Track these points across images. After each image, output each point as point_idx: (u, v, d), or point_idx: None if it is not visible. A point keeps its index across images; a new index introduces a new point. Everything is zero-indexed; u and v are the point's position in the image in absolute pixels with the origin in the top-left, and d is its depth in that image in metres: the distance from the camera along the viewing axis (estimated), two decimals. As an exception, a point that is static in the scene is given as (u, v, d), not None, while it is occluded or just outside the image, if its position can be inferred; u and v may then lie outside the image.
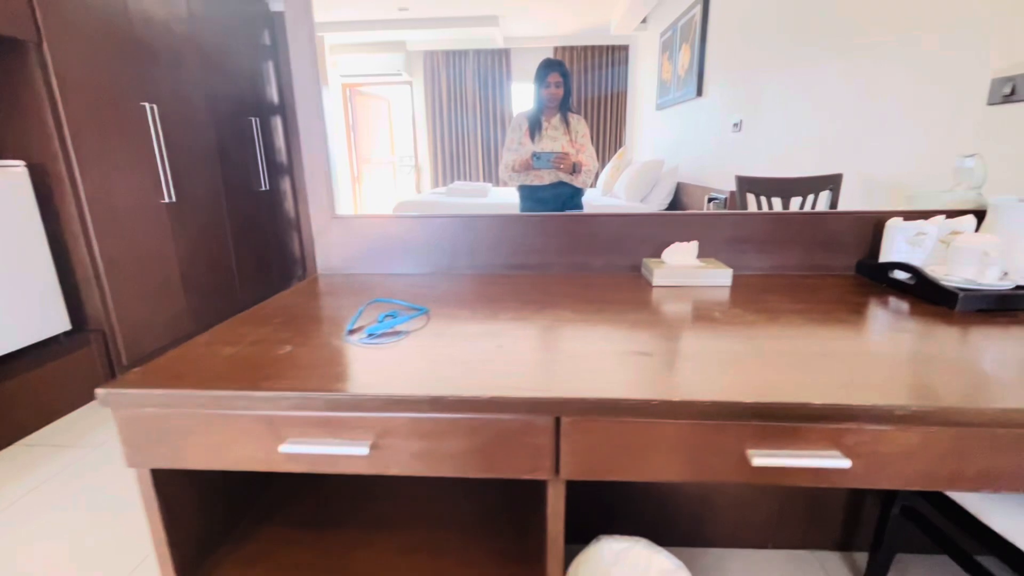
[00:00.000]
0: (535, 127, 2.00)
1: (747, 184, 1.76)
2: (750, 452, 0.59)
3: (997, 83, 1.22)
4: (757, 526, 1.23)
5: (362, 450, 0.61)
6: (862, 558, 1.21)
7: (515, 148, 2.02)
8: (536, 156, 1.91)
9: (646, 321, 0.85)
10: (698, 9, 3.14)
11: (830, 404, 0.57)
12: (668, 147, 3.84)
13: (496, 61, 5.34)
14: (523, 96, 5.47)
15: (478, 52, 5.31)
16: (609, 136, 5.22)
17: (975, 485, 0.60)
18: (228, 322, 0.88)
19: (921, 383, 0.62)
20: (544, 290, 1.07)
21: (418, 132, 5.67)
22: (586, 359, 0.70)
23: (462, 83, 5.42)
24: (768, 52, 2.42)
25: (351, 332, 0.82)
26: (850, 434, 0.59)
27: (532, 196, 2.07)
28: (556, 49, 5.20)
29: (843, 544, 1.23)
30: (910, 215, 1.13)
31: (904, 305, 0.95)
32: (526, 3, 4.20)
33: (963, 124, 1.34)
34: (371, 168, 5.86)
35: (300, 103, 1.17)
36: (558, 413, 0.61)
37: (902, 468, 0.60)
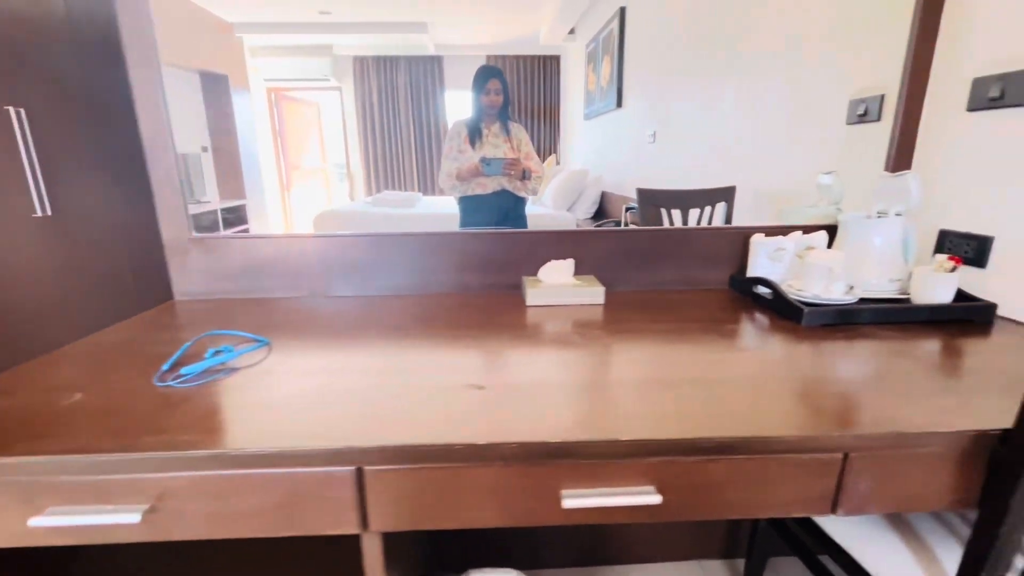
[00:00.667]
0: (475, 135, 1.94)
1: (647, 197, 1.79)
2: (563, 493, 0.57)
3: (853, 104, 1.29)
4: (645, 541, 1.24)
5: (133, 517, 0.54)
6: (742, 564, 1.24)
7: (455, 156, 1.95)
8: (486, 162, 1.85)
9: (500, 348, 0.82)
10: (616, 23, 3.22)
11: (637, 440, 0.56)
12: (595, 157, 3.91)
13: (428, 69, 5.28)
14: (457, 104, 5.42)
15: (410, 59, 5.24)
16: (543, 146, 5.26)
17: (785, 510, 0.60)
18: (30, 363, 0.78)
19: (740, 410, 0.61)
20: (415, 314, 1.02)
21: (349, 139, 5.51)
22: (411, 397, 0.65)
23: (394, 90, 5.32)
24: (676, 65, 2.50)
25: (168, 371, 0.74)
26: (662, 467, 0.58)
27: (474, 206, 2.02)
28: (489, 58, 5.20)
29: (726, 552, 1.26)
30: (772, 230, 1.17)
31: (764, 320, 0.97)
32: (454, 10, 4.18)
33: (830, 142, 1.41)
34: (302, 176, 5.63)
35: (138, 96, 1.07)
36: (359, 463, 0.56)
37: (714, 499, 0.59)
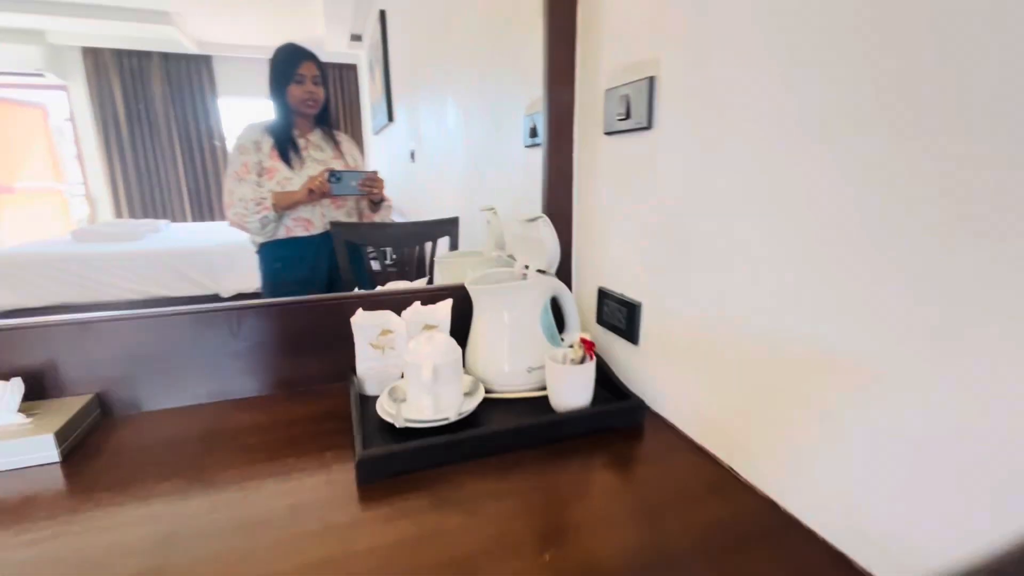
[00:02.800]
0: (286, 145, 1.29)
1: (344, 232, 1.36)
2: None
3: (526, 121, 1.02)
4: None
5: None
6: None
7: (252, 180, 1.27)
8: (335, 176, 1.23)
9: None
10: (379, 28, 2.83)
11: None
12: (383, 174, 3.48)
13: (192, 70, 4.39)
14: (234, 113, 4.60)
15: (165, 56, 4.29)
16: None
17: None
18: None
19: None
20: None
21: (86, 153, 4.34)
22: None
23: (147, 93, 4.32)
24: (423, 76, 2.17)
25: None
26: None
27: (297, 255, 1.32)
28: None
29: None
30: (388, 300, 0.81)
31: (338, 466, 0.58)
32: (199, 0, 3.43)
33: (514, 169, 1.13)
34: (16, 200, 4.29)
35: None
36: None
37: None
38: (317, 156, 1.35)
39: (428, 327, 0.74)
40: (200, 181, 4.53)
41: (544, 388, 0.70)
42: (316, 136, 1.36)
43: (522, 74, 1.03)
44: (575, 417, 0.64)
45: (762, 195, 0.50)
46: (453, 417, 0.61)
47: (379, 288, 0.86)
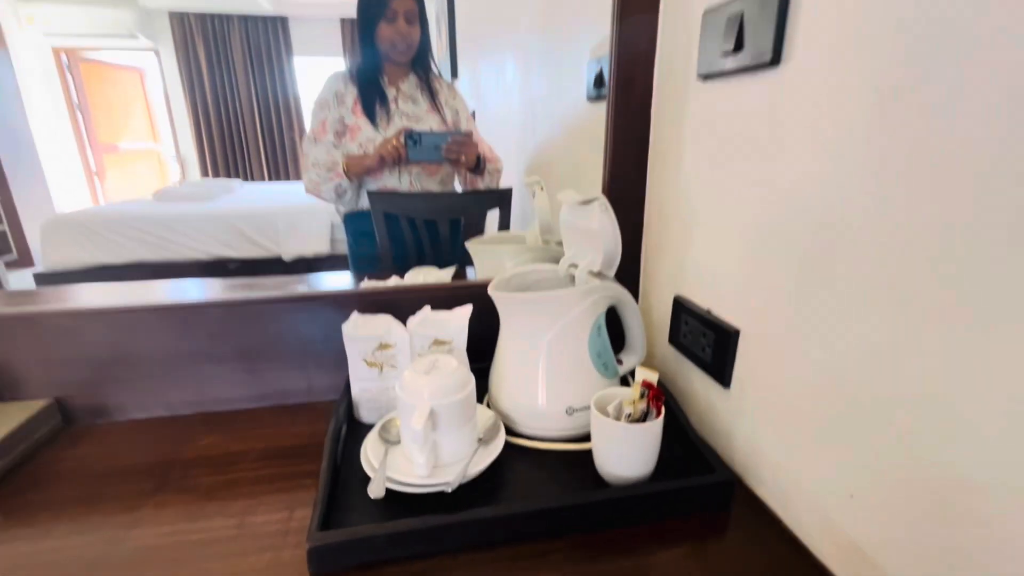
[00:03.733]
0: (372, 97, 1.07)
1: (380, 202, 1.20)
2: None
3: (590, 67, 0.78)
4: None
5: None
6: None
7: (328, 140, 1.07)
8: (412, 138, 1.00)
9: None
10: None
11: None
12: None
13: (271, 31, 4.42)
14: (311, 74, 4.62)
15: (244, 19, 4.35)
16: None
17: None
18: None
19: None
20: None
21: (176, 115, 4.56)
22: None
23: (228, 55, 4.42)
24: (483, 30, 1.94)
25: None
26: None
27: (387, 220, 1.09)
28: (345, 21, 4.42)
29: None
30: (401, 298, 0.63)
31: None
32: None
33: (575, 124, 0.90)
34: (120, 160, 4.63)
35: None
36: None
37: None
38: (408, 110, 1.10)
39: (438, 343, 0.56)
40: (276, 141, 4.63)
41: (590, 436, 0.51)
42: (409, 85, 1.10)
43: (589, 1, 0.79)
44: (628, 497, 0.44)
45: (1001, 196, 0.26)
46: (454, 483, 0.44)
47: (379, 284, 0.69)
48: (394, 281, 0.70)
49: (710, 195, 0.53)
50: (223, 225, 2.60)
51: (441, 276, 0.73)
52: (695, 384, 0.58)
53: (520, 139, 1.29)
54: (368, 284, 0.67)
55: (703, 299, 0.56)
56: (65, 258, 2.38)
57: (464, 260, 0.92)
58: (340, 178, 1.06)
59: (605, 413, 0.46)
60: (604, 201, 0.52)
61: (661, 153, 0.62)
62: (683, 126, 0.57)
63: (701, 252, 0.56)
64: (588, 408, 0.53)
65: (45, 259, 2.37)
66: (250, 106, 4.54)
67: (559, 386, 0.53)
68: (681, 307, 0.59)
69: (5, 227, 3.06)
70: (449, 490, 0.43)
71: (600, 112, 0.70)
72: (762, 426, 0.47)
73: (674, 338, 0.61)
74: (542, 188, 0.73)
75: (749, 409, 0.49)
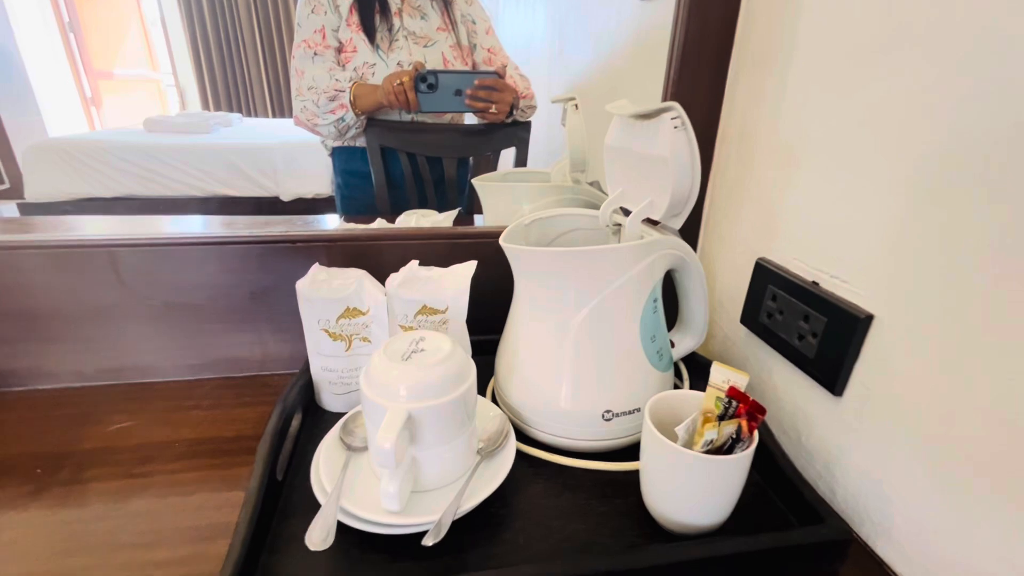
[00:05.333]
0: (371, 4, 0.83)
1: (378, 133, 1.01)
2: None
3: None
4: None
5: None
6: None
7: (329, 56, 0.85)
8: (426, 81, 0.73)
9: None
10: None
11: None
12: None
13: (272, -54, 4.03)
14: None
15: (244, -70, 3.95)
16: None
17: None
18: None
19: None
20: None
21: (174, 41, 4.27)
22: None
23: (227, -26, 4.06)
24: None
25: None
26: None
27: (384, 156, 0.89)
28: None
29: None
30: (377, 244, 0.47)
31: None
32: None
33: (619, 29, 0.70)
34: (117, 87, 4.38)
35: None
36: None
37: None
38: (415, 27, 0.85)
39: (428, 311, 0.41)
40: (281, 76, 4.34)
41: (634, 450, 0.36)
42: None
43: None
44: (702, 559, 0.30)
45: None
46: (436, 534, 0.29)
47: (354, 227, 0.52)
48: (379, 224, 0.54)
49: (837, 114, 0.35)
50: (218, 160, 2.42)
51: (440, 222, 0.56)
52: (778, 382, 0.43)
53: (546, 52, 1.07)
54: (343, 227, 0.51)
55: (806, 266, 0.39)
56: (49, 188, 2.23)
57: (474, 207, 0.75)
58: (345, 110, 0.80)
59: (668, 433, 0.30)
60: (680, 112, 0.34)
61: (755, 53, 0.44)
62: (798, 6, 0.38)
63: (810, 199, 0.38)
64: (634, 413, 0.38)
65: (28, 189, 2.22)
66: (252, 35, 4.22)
67: (595, 381, 0.38)
68: (767, 274, 0.42)
69: (-5, 154, 2.92)
70: (430, 543, 0.28)
71: (653, 12, 0.51)
72: (899, 458, 0.32)
73: (750, 317, 0.45)
74: (576, 107, 0.55)
75: (874, 430, 0.34)
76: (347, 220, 0.98)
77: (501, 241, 0.37)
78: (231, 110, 4.32)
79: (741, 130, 0.46)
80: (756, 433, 0.30)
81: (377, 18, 0.84)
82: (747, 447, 0.29)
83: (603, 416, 0.38)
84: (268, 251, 0.47)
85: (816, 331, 0.37)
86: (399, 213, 0.76)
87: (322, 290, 0.40)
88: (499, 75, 0.72)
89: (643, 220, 0.39)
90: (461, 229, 0.52)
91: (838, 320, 0.35)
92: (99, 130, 2.77)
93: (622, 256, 0.36)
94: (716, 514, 0.31)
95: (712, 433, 0.29)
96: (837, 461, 0.37)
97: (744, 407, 0.30)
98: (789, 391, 0.41)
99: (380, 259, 0.48)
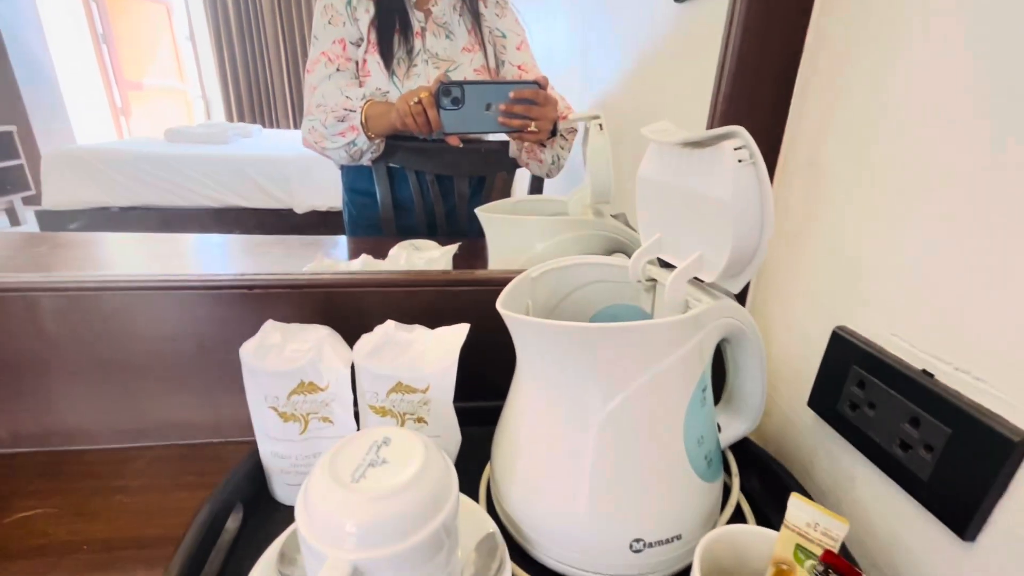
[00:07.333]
0: (392, 20, 0.75)
1: (388, 155, 0.93)
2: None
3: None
4: None
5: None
6: None
7: (349, 71, 0.78)
8: (451, 96, 0.59)
9: None
10: None
11: None
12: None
13: (298, -39, 4.11)
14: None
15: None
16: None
17: None
18: None
19: None
20: None
21: (202, 53, 4.36)
22: None
23: (255, -9, 4.14)
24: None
25: None
26: None
27: (391, 176, 0.83)
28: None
29: None
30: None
31: None
32: None
33: (652, 35, 0.61)
34: (145, 97, 4.48)
35: None
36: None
37: None
38: (436, 47, 0.76)
39: (404, 388, 0.31)
40: (300, 85, 4.38)
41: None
42: (443, 7, 0.75)
43: None
44: None
45: None
46: None
47: (320, 268, 0.43)
48: (361, 262, 0.45)
49: (970, 134, 0.26)
50: (233, 171, 2.40)
51: (435, 260, 0.47)
52: (864, 497, 0.32)
53: (566, 64, 0.99)
54: (310, 271, 0.43)
55: (909, 347, 0.29)
56: (66, 196, 2.23)
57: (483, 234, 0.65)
58: (356, 133, 0.72)
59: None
60: (747, 140, 0.25)
61: (835, 52, 0.34)
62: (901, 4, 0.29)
63: (920, 255, 0.28)
64: (672, 543, 0.28)
65: (45, 196, 2.22)
66: (277, 49, 4.26)
67: (622, 498, 0.28)
68: (850, 350, 0.32)
69: (23, 160, 2.95)
70: None
71: (695, 15, 0.42)
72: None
73: (823, 402, 0.35)
74: (601, 127, 0.46)
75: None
76: (351, 238, 0.92)
77: (499, 307, 0.28)
78: (254, 121, 4.37)
79: (811, 157, 0.36)
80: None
81: (396, 39, 0.76)
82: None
83: (631, 546, 0.28)
84: (221, 298, 0.39)
85: (931, 443, 0.26)
86: (406, 237, 0.66)
87: (270, 359, 0.31)
88: (540, 85, 0.60)
89: (693, 279, 0.29)
90: (456, 275, 0.43)
91: (972, 435, 0.25)
92: (118, 139, 2.78)
93: (663, 335, 0.26)
94: None
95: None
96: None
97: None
98: (883, 515, 0.31)
99: (359, 306, 0.39)
